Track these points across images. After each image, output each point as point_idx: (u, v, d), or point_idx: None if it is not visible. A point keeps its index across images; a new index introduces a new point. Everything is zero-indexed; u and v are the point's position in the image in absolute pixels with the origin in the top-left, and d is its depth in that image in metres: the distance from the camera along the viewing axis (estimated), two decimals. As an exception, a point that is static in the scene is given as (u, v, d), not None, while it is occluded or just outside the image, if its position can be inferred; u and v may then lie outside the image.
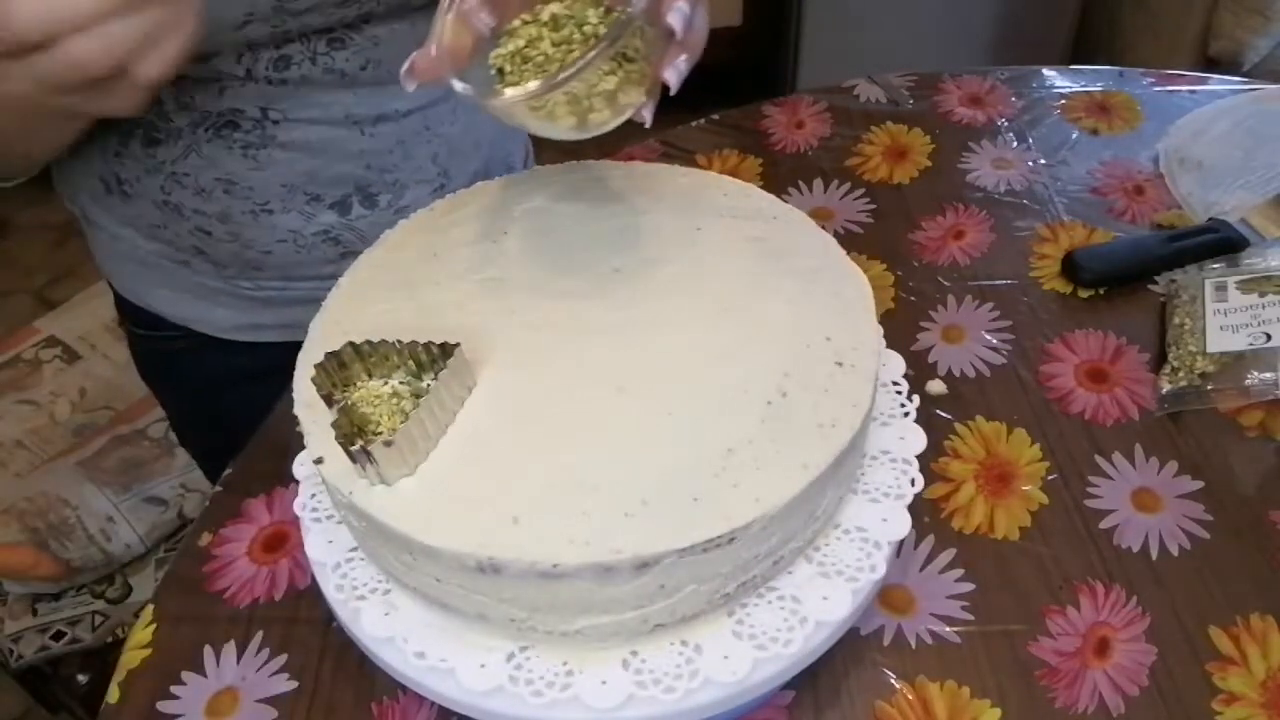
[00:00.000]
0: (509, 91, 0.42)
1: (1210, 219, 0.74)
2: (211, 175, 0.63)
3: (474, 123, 0.72)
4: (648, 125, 0.46)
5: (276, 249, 0.68)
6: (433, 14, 0.64)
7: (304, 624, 0.56)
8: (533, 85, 0.42)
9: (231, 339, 0.75)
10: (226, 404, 0.78)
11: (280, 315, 0.74)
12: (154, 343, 0.79)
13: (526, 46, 0.45)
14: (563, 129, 0.45)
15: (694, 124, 0.91)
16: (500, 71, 0.45)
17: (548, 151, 0.87)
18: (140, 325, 0.78)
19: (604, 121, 0.45)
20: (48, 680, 1.07)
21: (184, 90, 0.60)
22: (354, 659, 0.51)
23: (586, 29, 0.45)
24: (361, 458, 0.41)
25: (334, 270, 0.70)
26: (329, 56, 0.60)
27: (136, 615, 0.81)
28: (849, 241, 0.74)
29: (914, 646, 0.53)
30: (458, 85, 0.43)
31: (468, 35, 0.46)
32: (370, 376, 0.46)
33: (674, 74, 0.44)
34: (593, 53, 0.40)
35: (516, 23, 0.46)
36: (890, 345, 0.54)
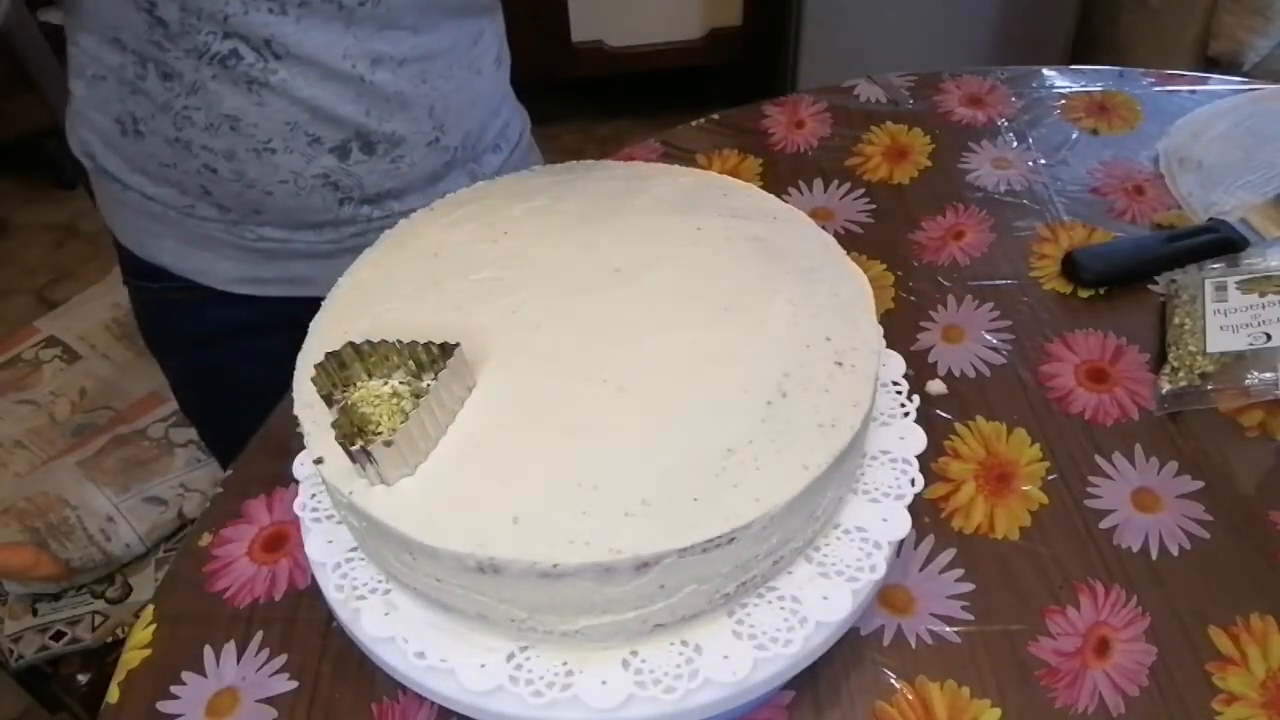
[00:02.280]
0: None
1: (1210, 219, 0.74)
2: (219, 110, 0.66)
3: (469, 82, 0.74)
4: None
5: (278, 190, 0.70)
6: None
7: (304, 624, 0.56)
8: None
9: (233, 291, 0.77)
10: (227, 358, 0.81)
11: (281, 269, 0.76)
12: (156, 294, 0.81)
13: None
14: None
15: (694, 124, 0.91)
16: None
17: (547, 152, 0.88)
18: (143, 278, 0.80)
19: None
20: (48, 680, 1.07)
21: (188, 13, 0.61)
22: (354, 659, 0.51)
23: None
24: (361, 458, 0.41)
25: (332, 218, 0.71)
26: None
27: (136, 615, 0.81)
28: (849, 241, 0.74)
29: (914, 646, 0.53)
30: None
31: None
32: (370, 376, 0.46)
33: None
34: None
35: None
36: (890, 345, 0.54)
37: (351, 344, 0.46)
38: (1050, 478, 0.61)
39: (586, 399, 0.45)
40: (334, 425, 0.42)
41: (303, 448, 0.45)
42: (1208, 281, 0.68)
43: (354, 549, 0.49)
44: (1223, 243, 0.71)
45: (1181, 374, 0.64)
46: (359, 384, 0.46)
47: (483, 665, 0.44)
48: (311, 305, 0.51)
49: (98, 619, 1.05)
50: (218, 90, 0.65)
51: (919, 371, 0.67)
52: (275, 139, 0.67)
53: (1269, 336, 0.64)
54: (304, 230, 0.74)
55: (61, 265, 2.07)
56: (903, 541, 0.49)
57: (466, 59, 0.73)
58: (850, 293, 0.50)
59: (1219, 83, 0.91)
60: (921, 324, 0.71)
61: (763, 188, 0.57)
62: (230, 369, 0.80)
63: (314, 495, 0.52)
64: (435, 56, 0.70)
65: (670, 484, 0.41)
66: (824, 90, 0.94)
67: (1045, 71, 0.94)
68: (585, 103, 2.28)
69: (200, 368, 0.86)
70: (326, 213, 0.72)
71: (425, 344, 0.45)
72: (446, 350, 0.44)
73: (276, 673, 0.54)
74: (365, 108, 0.68)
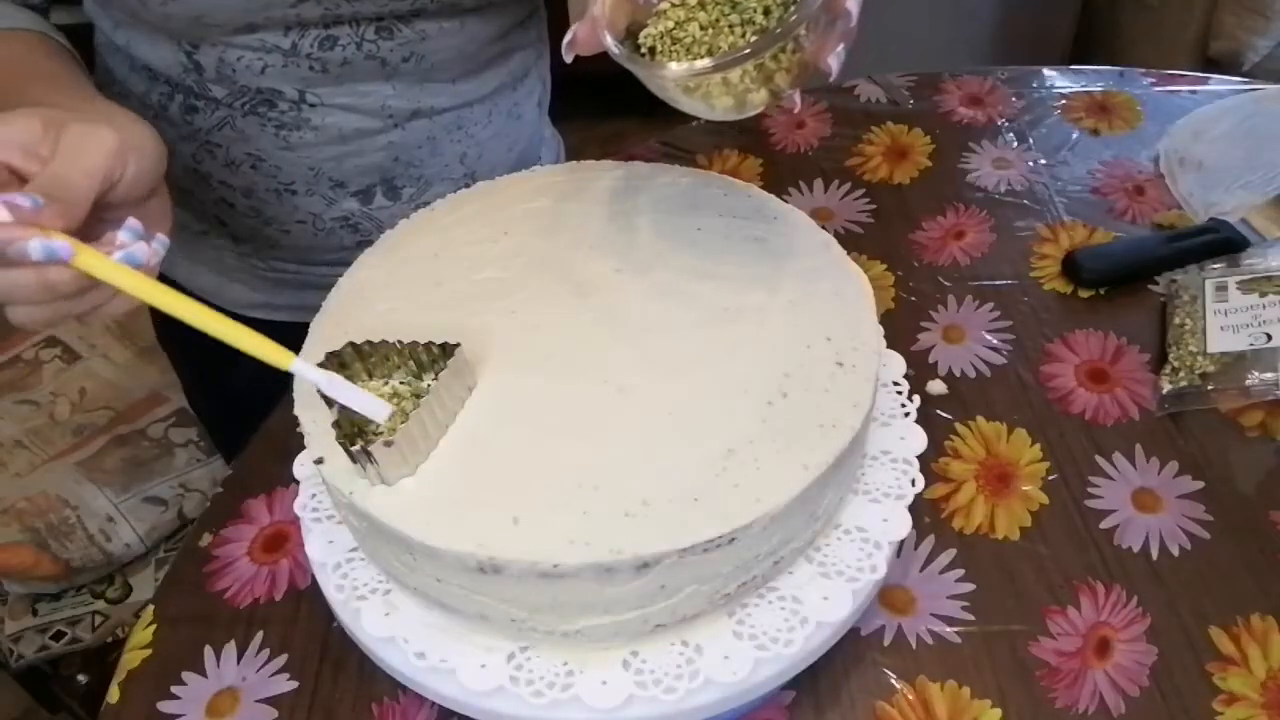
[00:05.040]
0: (674, 66, 0.44)
1: (1210, 219, 0.74)
2: (242, 149, 0.65)
3: (508, 128, 0.73)
4: (796, 110, 0.47)
5: (295, 229, 0.69)
6: (483, 17, 0.65)
7: (304, 624, 0.56)
8: (703, 63, 0.43)
9: (245, 314, 0.76)
10: (237, 377, 0.79)
11: (293, 298, 0.75)
12: None
13: (675, 28, 0.46)
14: (719, 110, 0.46)
15: (694, 124, 0.91)
16: (651, 50, 0.46)
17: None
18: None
19: (761, 103, 0.46)
20: (48, 680, 1.07)
21: (226, 63, 0.60)
22: (354, 659, 0.51)
23: (733, 18, 0.45)
24: (362, 458, 0.41)
25: (348, 257, 0.72)
26: (374, 44, 0.61)
27: (136, 615, 0.81)
28: (849, 241, 0.74)
29: (914, 647, 0.53)
30: (614, 47, 0.44)
31: (623, 12, 0.47)
32: (370, 376, 0.46)
33: (835, 61, 0.46)
34: (773, 40, 0.42)
35: (665, 5, 0.47)
36: (890, 345, 0.54)
37: (351, 344, 0.46)
38: (1050, 478, 0.61)
39: (586, 399, 0.45)
40: (334, 425, 0.42)
41: (303, 448, 0.45)
42: (1208, 282, 0.68)
43: (354, 549, 0.49)
44: (1223, 243, 0.71)
45: (1182, 374, 0.64)
46: (359, 384, 0.46)
47: (483, 665, 0.44)
48: None
49: (98, 619, 1.05)
50: (244, 130, 0.63)
51: (919, 371, 0.67)
52: (298, 181, 0.66)
53: (1269, 337, 0.64)
54: (319, 265, 0.72)
55: (61, 265, 2.07)
56: (903, 542, 0.49)
57: (507, 104, 0.72)
58: (850, 293, 0.50)
59: (1219, 83, 0.91)
60: (922, 324, 0.71)
61: (763, 188, 0.57)
62: (238, 387, 0.79)
63: (314, 495, 0.52)
64: (473, 104, 0.69)
65: (670, 484, 0.41)
66: (824, 90, 0.94)
67: (1045, 71, 0.94)
68: (585, 102, 2.27)
69: (209, 380, 0.85)
70: (343, 251, 0.71)
71: (425, 344, 0.45)
72: (447, 350, 0.44)
73: (277, 673, 0.54)
74: (395, 154, 0.67)
